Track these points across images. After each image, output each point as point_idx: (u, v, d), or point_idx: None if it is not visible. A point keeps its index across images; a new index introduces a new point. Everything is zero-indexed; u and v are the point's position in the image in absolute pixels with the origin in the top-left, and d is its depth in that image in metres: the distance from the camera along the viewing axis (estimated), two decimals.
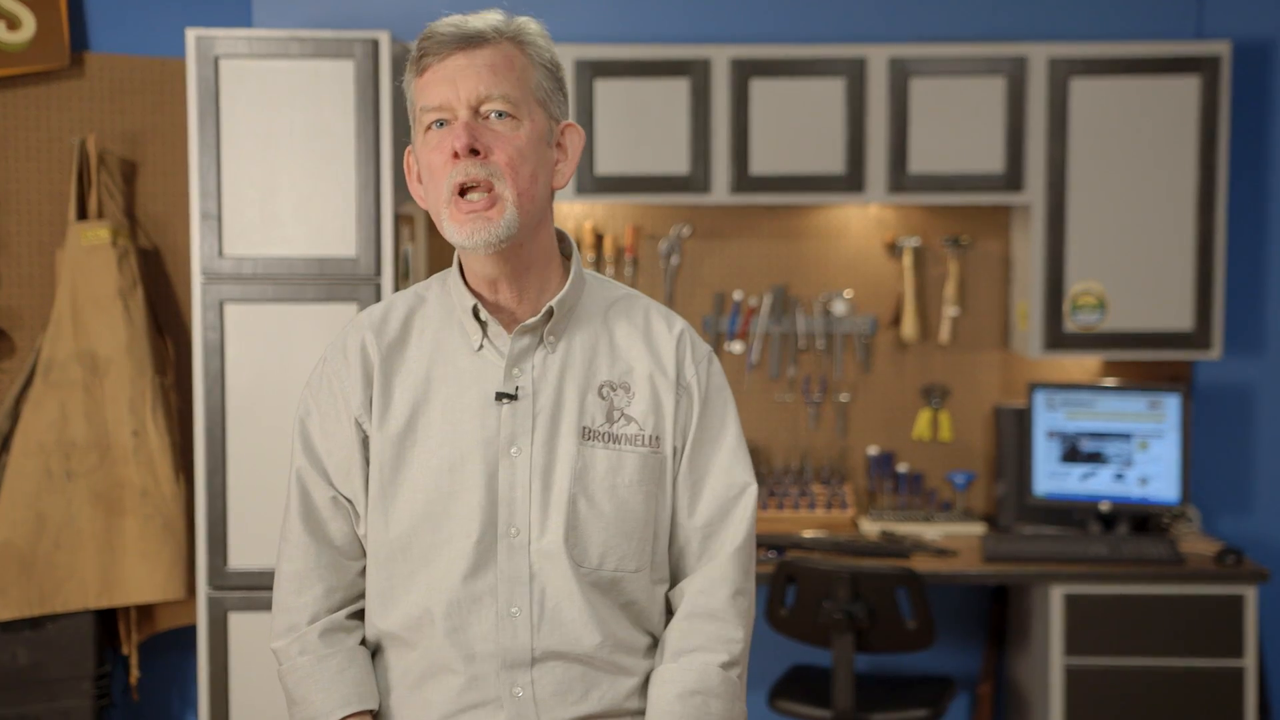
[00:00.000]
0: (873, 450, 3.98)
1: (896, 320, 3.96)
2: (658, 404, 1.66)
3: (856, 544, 3.65)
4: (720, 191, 3.67)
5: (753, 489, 1.71)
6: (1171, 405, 3.68)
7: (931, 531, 3.77)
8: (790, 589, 3.43)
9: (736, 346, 3.97)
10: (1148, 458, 3.70)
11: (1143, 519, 3.75)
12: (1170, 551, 3.51)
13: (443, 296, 1.69)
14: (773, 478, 3.96)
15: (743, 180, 3.66)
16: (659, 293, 3.96)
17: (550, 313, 1.64)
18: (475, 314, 1.64)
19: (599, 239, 3.93)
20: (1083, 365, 3.94)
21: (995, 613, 3.95)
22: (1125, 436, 3.72)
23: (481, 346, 1.64)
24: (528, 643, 1.60)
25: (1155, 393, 3.70)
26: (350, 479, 1.66)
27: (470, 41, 1.56)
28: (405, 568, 1.62)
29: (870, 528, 3.80)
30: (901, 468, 3.97)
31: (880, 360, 3.99)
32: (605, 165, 3.66)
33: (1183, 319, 3.66)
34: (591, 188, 3.66)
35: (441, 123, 1.58)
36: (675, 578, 1.72)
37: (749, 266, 3.97)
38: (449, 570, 1.60)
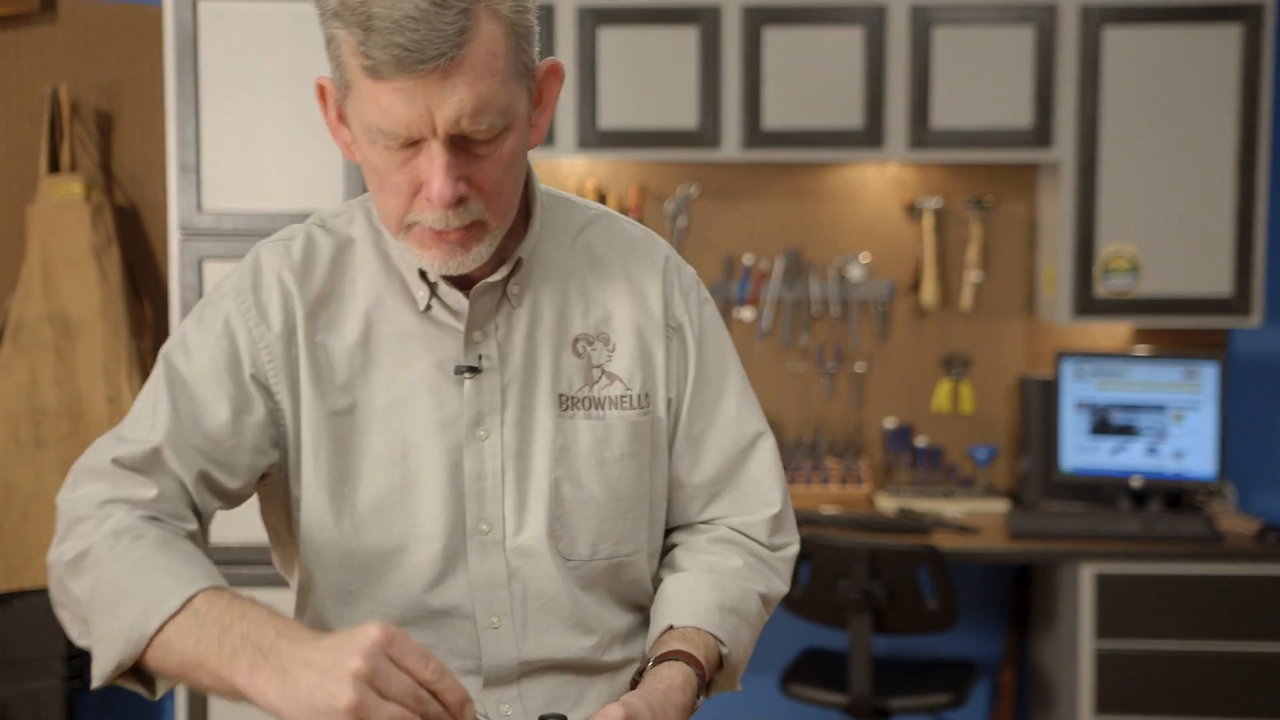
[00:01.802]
0: (890, 423, 3.78)
1: (915, 286, 3.76)
2: (645, 354, 1.40)
3: (874, 520, 3.46)
4: (731, 147, 3.46)
5: (769, 438, 1.47)
6: (1208, 375, 3.47)
7: (952, 508, 3.57)
8: (804, 567, 3.23)
9: (747, 313, 3.76)
10: (1183, 430, 3.50)
11: (1176, 496, 3.55)
12: (1208, 529, 3.31)
13: (374, 236, 1.37)
14: (785, 452, 3.76)
15: (754, 135, 3.46)
16: None
17: (518, 264, 1.36)
18: (422, 274, 1.34)
19: (602, 199, 3.73)
20: (1112, 334, 3.73)
21: (1018, 595, 3.75)
22: (1159, 408, 3.51)
23: (430, 306, 1.35)
24: (514, 657, 1.35)
25: (1191, 361, 3.49)
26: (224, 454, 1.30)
27: (443, 47, 1.16)
28: (357, 577, 1.34)
29: (887, 504, 3.60)
30: (920, 442, 3.76)
31: (898, 328, 3.79)
32: (609, 119, 3.45)
33: (1220, 283, 3.46)
34: (595, 142, 3.46)
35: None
36: (666, 550, 1.48)
37: (760, 229, 3.77)
38: (410, 580, 1.33)
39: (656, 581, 1.46)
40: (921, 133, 3.45)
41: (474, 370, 1.34)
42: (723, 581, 1.41)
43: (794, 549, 1.49)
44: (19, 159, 3.49)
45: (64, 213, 3.36)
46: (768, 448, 1.47)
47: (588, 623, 1.38)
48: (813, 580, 3.20)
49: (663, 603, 1.40)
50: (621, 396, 1.39)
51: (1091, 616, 3.25)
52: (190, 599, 1.13)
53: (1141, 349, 3.63)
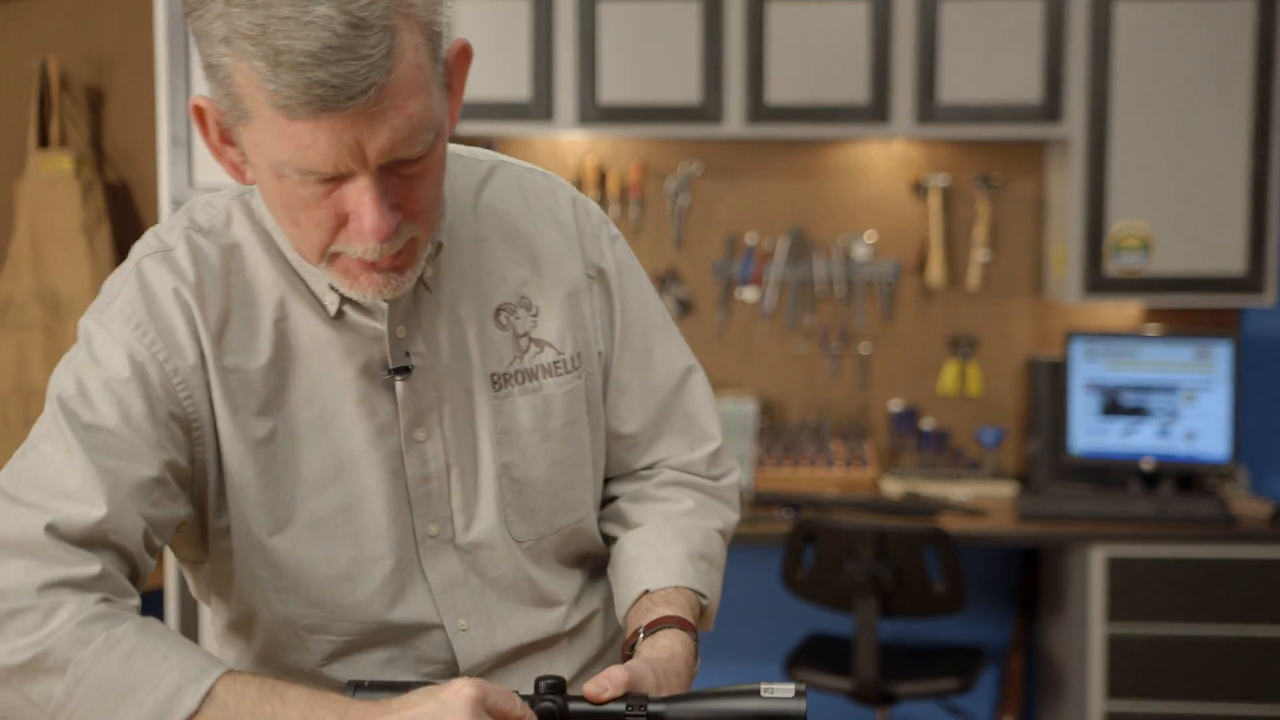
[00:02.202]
0: (895, 405, 3.71)
1: (922, 265, 3.69)
2: (571, 311, 1.32)
3: (879, 503, 3.39)
4: (734, 122, 3.39)
5: (698, 370, 1.41)
6: (1221, 354, 3.41)
7: (959, 492, 3.50)
8: (809, 550, 3.16)
9: (749, 293, 3.69)
10: (1195, 411, 3.43)
11: (1188, 478, 3.48)
12: (1221, 511, 3.24)
13: (260, 236, 1.23)
14: (788, 434, 3.69)
15: (758, 110, 3.38)
16: (666, 234, 3.69)
17: (438, 248, 1.24)
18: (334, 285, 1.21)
19: (602, 177, 3.66)
20: (1122, 314, 3.66)
21: (1026, 581, 3.68)
22: (1170, 389, 3.44)
23: (342, 311, 1.22)
24: (488, 653, 1.30)
25: (1203, 341, 3.42)
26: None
27: (372, 77, 1.03)
28: (308, 611, 1.25)
29: (893, 488, 3.53)
30: (926, 424, 3.70)
31: (904, 309, 3.72)
32: (609, 93, 3.38)
33: (1233, 261, 3.39)
34: (595, 117, 3.39)
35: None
36: (606, 500, 1.42)
37: (764, 207, 3.70)
38: (368, 603, 1.25)
39: (603, 534, 1.40)
40: (928, 107, 3.38)
41: (405, 370, 1.23)
42: (683, 528, 1.35)
43: (736, 474, 1.44)
44: (7, 134, 3.43)
45: (53, 189, 3.30)
46: (699, 381, 1.41)
47: (549, 596, 1.33)
48: (818, 562, 3.14)
49: (629, 564, 1.34)
50: (555, 363, 1.31)
51: (1102, 600, 3.18)
52: (210, 691, 1.04)
53: (1152, 328, 3.56)
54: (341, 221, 1.11)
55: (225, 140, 1.13)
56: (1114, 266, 3.41)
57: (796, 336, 3.72)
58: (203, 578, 1.30)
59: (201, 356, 1.19)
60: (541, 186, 1.35)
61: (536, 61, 3.37)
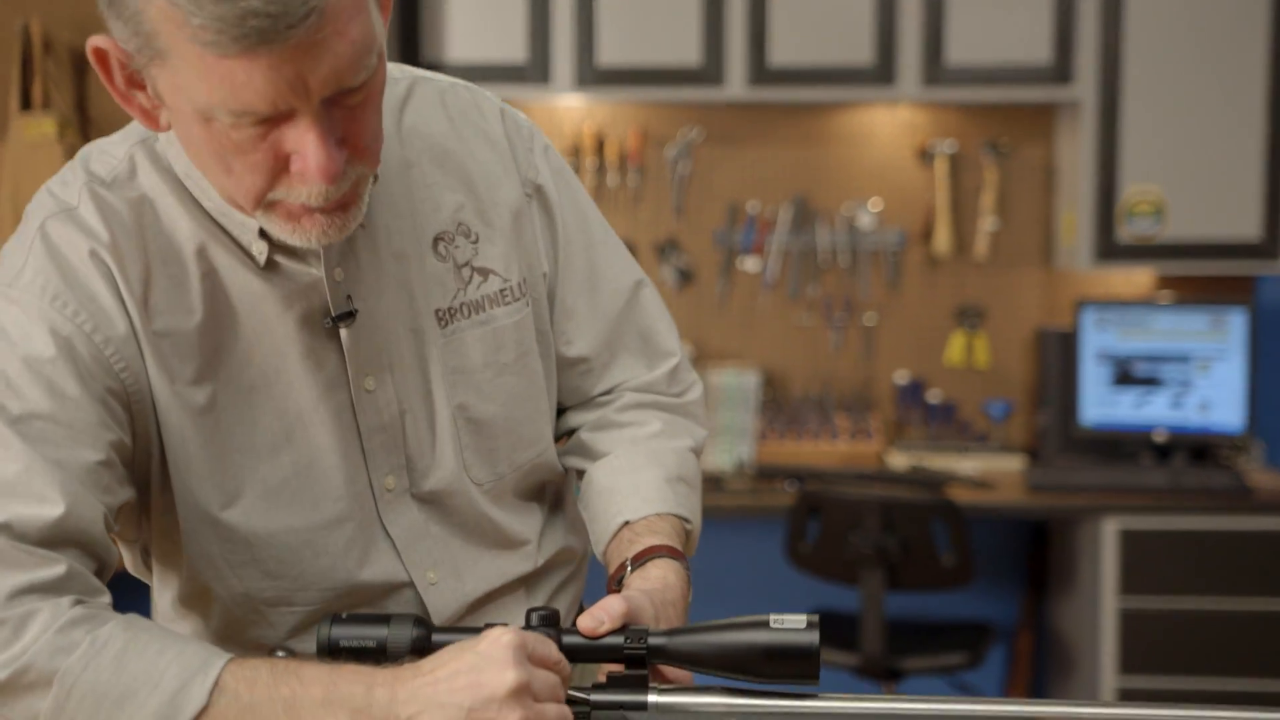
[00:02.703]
0: (901, 378, 3.62)
1: (928, 234, 3.60)
2: (512, 235, 1.22)
3: (885, 475, 3.30)
4: (735, 84, 3.30)
5: (648, 284, 1.32)
6: (1236, 323, 3.31)
7: (966, 465, 3.41)
8: (813, 523, 3.07)
9: (751, 263, 3.60)
10: (1209, 381, 3.34)
11: (1201, 450, 3.39)
12: (1236, 483, 3.15)
13: (171, 184, 1.10)
14: (791, 407, 3.60)
15: (760, 72, 3.29)
16: (666, 202, 3.60)
17: (374, 178, 1.12)
18: (262, 231, 1.09)
19: (600, 144, 3.57)
20: (1133, 283, 3.57)
21: (1035, 557, 3.59)
22: (1183, 359, 3.35)
23: (271, 260, 1.11)
24: (460, 604, 1.21)
25: (1218, 308, 3.33)
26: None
27: (303, 9, 0.92)
28: (267, 585, 1.16)
29: (899, 461, 3.44)
30: (932, 397, 3.61)
31: (910, 279, 3.63)
32: (608, 55, 3.29)
33: (1249, 227, 3.30)
34: (592, 79, 3.30)
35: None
36: (566, 432, 1.33)
37: (766, 174, 3.60)
38: (331, 570, 1.15)
39: (567, 469, 1.32)
40: (935, 69, 3.29)
41: (349, 316, 1.12)
42: (654, 451, 1.27)
43: (699, 388, 1.36)
44: None
45: (36, 153, 3.21)
46: (649, 295, 1.32)
47: (513, 537, 1.25)
48: (822, 535, 3.05)
49: (602, 497, 1.25)
50: (501, 291, 1.21)
51: (1115, 574, 3.09)
52: (217, 681, 0.95)
53: (1165, 296, 3.47)
54: (281, 164, 1.00)
55: (133, 84, 1.01)
56: (1126, 233, 3.32)
57: (799, 307, 3.63)
58: (138, 551, 1.20)
59: (131, 323, 1.07)
60: (466, 101, 1.24)
61: (533, 21, 3.28)
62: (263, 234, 1.09)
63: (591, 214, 1.31)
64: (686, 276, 3.61)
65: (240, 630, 1.17)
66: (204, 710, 0.93)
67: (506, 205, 1.23)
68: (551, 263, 1.26)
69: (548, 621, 1.02)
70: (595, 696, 1.01)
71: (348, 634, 1.01)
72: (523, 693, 0.93)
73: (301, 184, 1.01)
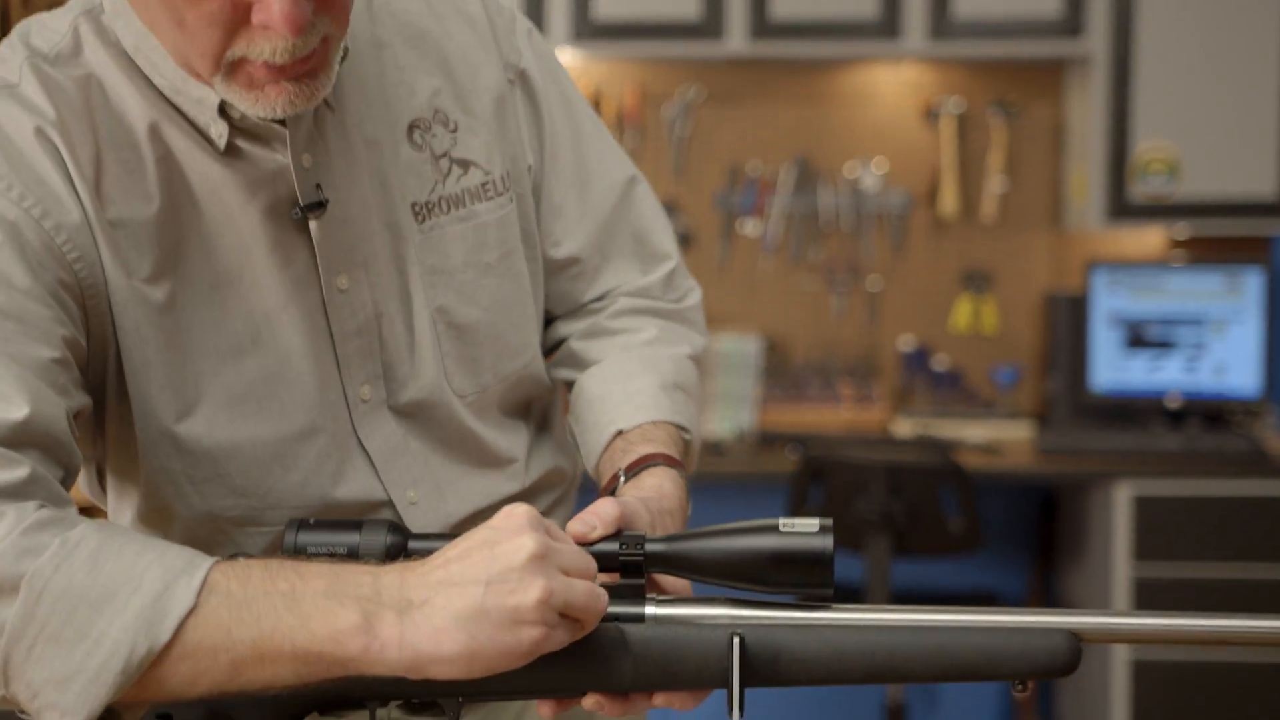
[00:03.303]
0: (906, 344, 3.52)
1: (933, 196, 3.50)
2: (494, 124, 1.12)
3: (891, 441, 3.21)
4: (736, 39, 3.20)
5: (641, 181, 1.22)
6: (1252, 283, 3.22)
7: (974, 432, 3.32)
8: (816, 489, 2.98)
9: (752, 226, 3.50)
10: (1224, 344, 3.24)
11: (1216, 415, 3.29)
12: (1251, 446, 3.06)
13: (120, 61, 1.00)
14: (793, 373, 3.51)
15: (761, 26, 3.19)
16: (665, 164, 3.50)
17: (344, 54, 1.02)
18: (222, 110, 0.99)
19: (597, 103, 3.47)
20: (1145, 244, 3.47)
21: (1043, 528, 3.50)
22: (1197, 321, 3.25)
23: (232, 145, 1.01)
24: (443, 525, 1.11)
25: (1233, 268, 3.23)
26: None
27: None
28: (234, 503, 1.05)
29: (904, 428, 3.34)
30: (938, 364, 3.51)
31: (915, 242, 3.53)
32: (605, 8, 3.19)
33: (1265, 184, 3.20)
34: (588, 33, 3.20)
35: None
36: (555, 345, 1.23)
37: (767, 134, 3.50)
38: (303, 489, 1.06)
39: (555, 382, 1.22)
40: (941, 22, 3.19)
41: (319, 206, 1.02)
42: (650, 357, 1.17)
43: (698, 293, 1.26)
44: None
45: None
46: (643, 193, 1.22)
47: (498, 454, 1.14)
48: (827, 500, 2.95)
49: (594, 406, 1.15)
50: (483, 185, 1.11)
51: (1128, 540, 2.99)
52: (205, 581, 0.84)
53: (1179, 255, 3.37)
54: (241, 15, 0.90)
55: None
56: (1138, 191, 3.22)
57: (801, 271, 3.53)
58: (93, 472, 1.10)
59: (84, 211, 0.97)
60: None
61: None
62: (222, 113, 0.99)
63: (580, 105, 1.21)
64: (686, 239, 3.51)
65: (206, 546, 1.06)
66: (192, 611, 0.83)
67: (487, 91, 1.13)
68: (537, 156, 1.16)
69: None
70: None
71: (316, 540, 0.91)
72: (543, 560, 0.83)
73: (264, 38, 0.91)
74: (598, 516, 0.92)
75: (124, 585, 0.83)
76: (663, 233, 1.24)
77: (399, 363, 1.08)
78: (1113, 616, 0.92)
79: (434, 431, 1.11)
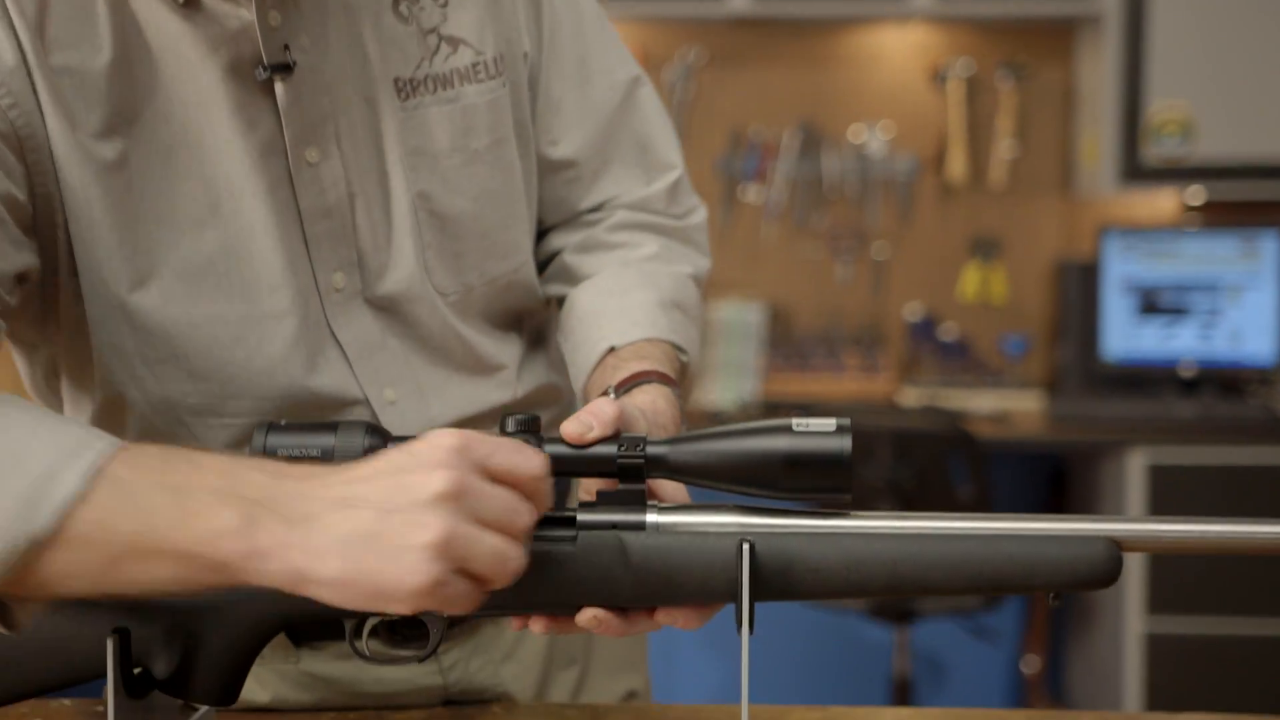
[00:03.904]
0: (912, 312, 3.44)
1: (941, 161, 3.42)
2: (488, 1, 1.04)
3: (898, 409, 3.13)
4: None
5: (646, 82, 1.14)
6: (1268, 248, 3.13)
7: (982, 402, 3.23)
8: None
9: (754, 192, 3.42)
10: (1239, 310, 3.16)
11: (1231, 384, 3.21)
12: (1267, 414, 2.98)
13: None
14: (797, 343, 3.42)
15: None
16: None
17: None
18: None
19: None
20: (1157, 209, 3.38)
21: (1053, 497, 3.42)
22: (1212, 287, 3.17)
23: None
24: (423, 428, 0.95)
25: (1249, 232, 3.15)
26: None
27: None
28: (194, 388, 0.97)
29: (910, 398, 3.26)
30: (945, 333, 3.43)
31: (922, 208, 3.44)
32: None
33: None
34: None
35: None
36: (548, 259, 1.15)
37: (770, 98, 3.42)
38: (270, 377, 0.97)
39: (548, 298, 1.14)
40: None
41: (285, 68, 0.94)
42: (648, 273, 1.09)
43: (703, 212, 1.18)
44: None
45: None
46: (648, 96, 1.14)
47: (486, 360, 1.06)
48: None
49: (586, 321, 1.07)
50: (473, 66, 1.03)
51: (1142, 510, 2.91)
52: (96, 467, 0.74)
53: (1193, 219, 3.29)
54: None
55: None
56: (1152, 154, 3.13)
57: (805, 238, 3.45)
58: (41, 362, 1.01)
59: (22, 54, 0.89)
60: None
61: None
62: None
63: None
64: None
65: (166, 440, 0.98)
66: (81, 498, 0.73)
67: None
68: (535, 42, 1.08)
69: (526, 427, 0.84)
70: (584, 516, 0.83)
71: (287, 443, 0.83)
72: (452, 500, 0.72)
73: None
74: (594, 416, 0.84)
75: (6, 464, 0.74)
76: (667, 141, 1.15)
77: (374, 250, 1.00)
78: (1154, 523, 0.84)
79: (414, 330, 1.02)
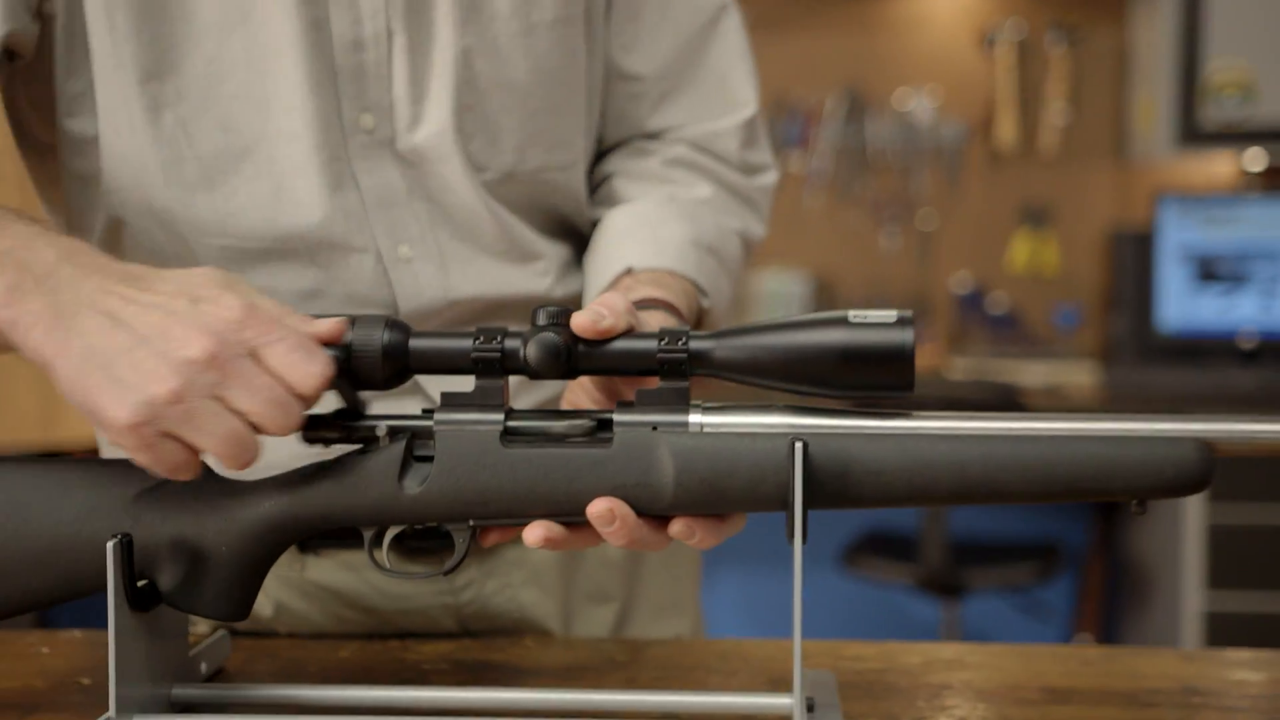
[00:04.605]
0: (960, 284, 3.35)
1: (990, 127, 3.33)
2: None
3: (946, 380, 3.04)
4: None
5: (734, 12, 1.06)
6: None
7: (1033, 373, 3.14)
8: None
9: (797, 160, 3.34)
10: None
11: None
12: None
13: None
14: None
15: None
16: None
17: None
18: None
19: None
20: (1215, 174, 3.28)
21: None
22: (1273, 255, 3.07)
23: None
24: (439, 296, 0.95)
25: None
26: None
27: None
28: (192, 200, 0.91)
29: (958, 371, 3.18)
30: (994, 304, 3.34)
31: (970, 176, 3.36)
32: None
33: None
34: None
35: None
36: (598, 184, 1.08)
37: (814, 62, 3.34)
38: (272, 199, 0.91)
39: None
40: None
41: None
42: (692, 213, 1.01)
43: (772, 175, 1.09)
44: None
45: None
46: (733, 26, 1.06)
47: (521, 245, 0.97)
48: None
49: (613, 240, 0.99)
50: None
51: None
52: None
53: (1253, 183, 3.18)
54: None
55: None
56: (1210, 116, 3.03)
57: (849, 208, 3.37)
58: (48, 177, 0.96)
59: None
60: None
61: None
62: None
63: None
64: None
65: (161, 265, 0.92)
66: None
67: None
68: None
69: (558, 320, 0.76)
70: (621, 416, 0.76)
71: None
72: (200, 370, 0.68)
73: None
74: (605, 306, 0.76)
75: None
76: (745, 76, 1.06)
77: (408, 99, 0.92)
78: (1247, 423, 0.76)
79: (443, 196, 0.94)
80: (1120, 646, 2.09)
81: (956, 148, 3.33)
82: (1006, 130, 3.28)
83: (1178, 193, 3.13)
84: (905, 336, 0.75)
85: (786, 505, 0.74)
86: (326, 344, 0.72)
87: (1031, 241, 3.32)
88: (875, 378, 0.74)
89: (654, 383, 0.77)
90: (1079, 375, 3.15)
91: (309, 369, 0.69)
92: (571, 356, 0.75)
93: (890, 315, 0.76)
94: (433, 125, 0.93)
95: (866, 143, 3.33)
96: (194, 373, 0.67)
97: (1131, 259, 3.19)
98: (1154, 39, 3.08)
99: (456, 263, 0.95)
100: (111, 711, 0.73)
